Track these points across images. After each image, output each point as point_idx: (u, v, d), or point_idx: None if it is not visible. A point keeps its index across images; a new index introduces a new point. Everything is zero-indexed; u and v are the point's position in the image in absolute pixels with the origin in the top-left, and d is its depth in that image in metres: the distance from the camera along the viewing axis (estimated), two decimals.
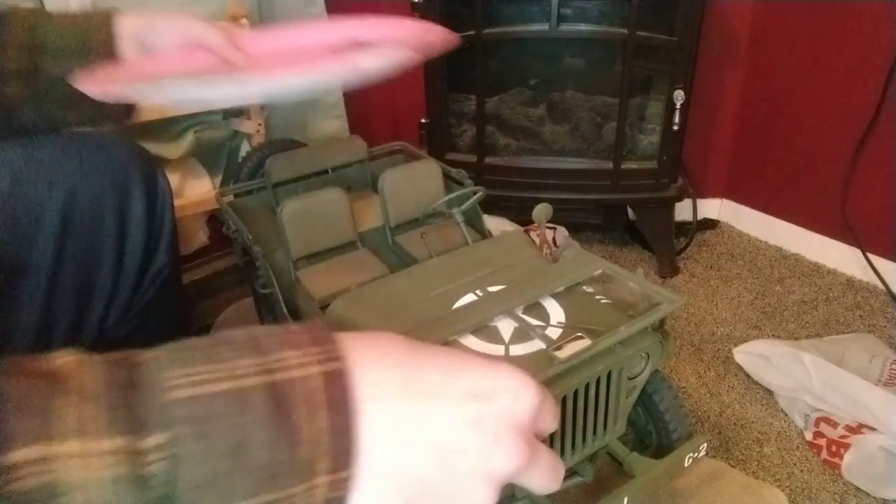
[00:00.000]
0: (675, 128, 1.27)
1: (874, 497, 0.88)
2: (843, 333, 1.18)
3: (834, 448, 0.92)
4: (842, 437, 0.91)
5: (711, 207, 1.60)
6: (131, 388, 0.25)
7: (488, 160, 1.39)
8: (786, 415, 1.02)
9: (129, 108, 0.63)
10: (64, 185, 0.61)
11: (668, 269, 1.39)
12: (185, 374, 0.25)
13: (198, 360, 0.26)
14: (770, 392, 1.05)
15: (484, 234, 0.86)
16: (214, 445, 0.25)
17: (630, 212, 1.49)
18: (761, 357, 1.06)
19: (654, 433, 0.74)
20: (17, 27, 0.57)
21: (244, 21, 1.15)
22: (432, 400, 0.28)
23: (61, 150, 0.62)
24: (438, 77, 1.34)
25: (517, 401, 0.30)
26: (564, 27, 1.23)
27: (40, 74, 0.58)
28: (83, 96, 0.54)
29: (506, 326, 0.62)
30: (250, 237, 0.78)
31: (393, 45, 0.51)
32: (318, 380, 0.27)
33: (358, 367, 0.28)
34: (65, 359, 0.26)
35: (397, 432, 0.28)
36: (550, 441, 0.59)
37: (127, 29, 0.59)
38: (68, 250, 0.62)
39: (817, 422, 0.95)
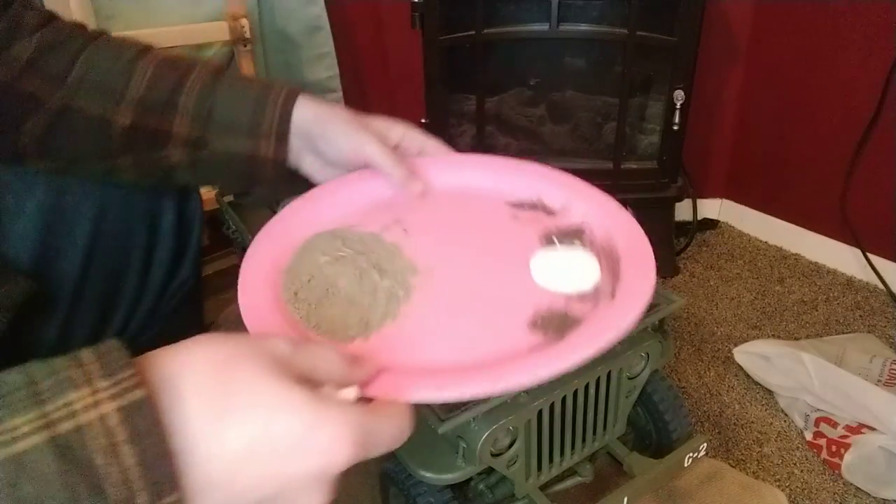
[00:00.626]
0: (675, 128, 1.27)
1: (874, 497, 0.88)
2: (843, 333, 1.18)
3: (834, 448, 0.92)
4: (842, 437, 0.91)
5: (711, 207, 1.60)
6: None
7: None
8: (786, 415, 1.02)
9: (286, 193, 0.61)
10: (97, 194, 0.60)
11: (668, 269, 1.39)
12: None
13: None
14: (770, 392, 1.05)
15: None
16: None
17: (630, 211, 1.48)
18: (761, 357, 1.06)
19: (654, 433, 0.74)
20: (193, 90, 0.55)
21: (244, 21, 1.15)
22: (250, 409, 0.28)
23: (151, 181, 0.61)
24: (438, 77, 1.34)
25: (325, 467, 0.29)
26: (564, 27, 1.23)
27: (205, 146, 0.56)
28: (241, 171, 0.57)
29: None
30: (250, 237, 0.78)
31: (585, 234, 0.53)
32: (113, 417, 0.25)
33: (161, 390, 0.27)
34: None
35: (220, 444, 0.27)
36: (550, 441, 0.59)
37: (302, 120, 0.57)
38: (96, 261, 0.60)
39: (817, 422, 0.95)
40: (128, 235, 0.63)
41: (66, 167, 0.56)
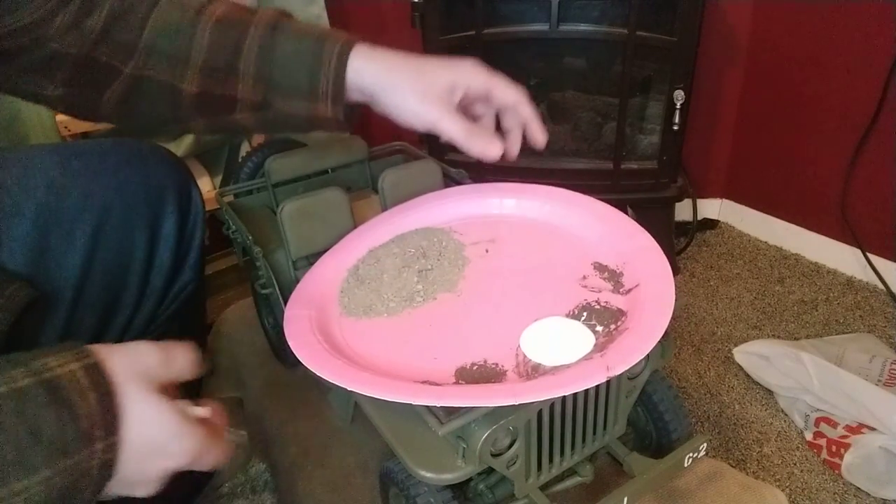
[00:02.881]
0: (675, 128, 1.27)
1: (874, 497, 0.88)
2: (843, 333, 1.18)
3: (834, 448, 0.92)
4: (842, 437, 0.91)
5: (711, 207, 1.60)
6: None
7: None
8: (786, 415, 1.02)
9: (352, 116, 0.60)
10: (98, 197, 0.59)
11: None
12: None
13: None
14: (770, 392, 1.05)
15: None
16: (13, 432, 0.32)
17: (630, 212, 1.49)
18: (761, 357, 1.06)
19: (654, 433, 0.74)
20: (252, 52, 0.55)
21: None
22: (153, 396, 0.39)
23: (98, 160, 0.60)
24: None
25: (170, 468, 0.40)
26: (564, 27, 1.23)
27: (269, 107, 0.56)
28: (304, 126, 0.58)
29: None
30: (250, 237, 0.78)
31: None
32: (79, 371, 0.35)
33: (107, 359, 0.37)
34: None
35: (140, 410, 0.37)
36: (550, 441, 0.59)
37: (360, 81, 0.56)
38: (96, 264, 0.60)
39: (817, 422, 0.95)
40: (129, 239, 0.62)
41: (145, 130, 0.59)
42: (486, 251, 0.65)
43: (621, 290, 0.56)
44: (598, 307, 0.55)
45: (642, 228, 0.61)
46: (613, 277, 0.58)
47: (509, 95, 0.62)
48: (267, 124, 0.58)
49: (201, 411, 0.44)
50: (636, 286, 0.55)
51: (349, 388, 0.48)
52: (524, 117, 0.64)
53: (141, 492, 0.40)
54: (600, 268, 0.60)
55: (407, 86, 0.57)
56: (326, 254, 0.70)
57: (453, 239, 0.68)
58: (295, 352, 0.55)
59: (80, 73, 0.53)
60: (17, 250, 0.55)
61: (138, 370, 0.39)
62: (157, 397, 0.39)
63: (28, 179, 0.56)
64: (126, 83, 0.54)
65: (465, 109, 0.62)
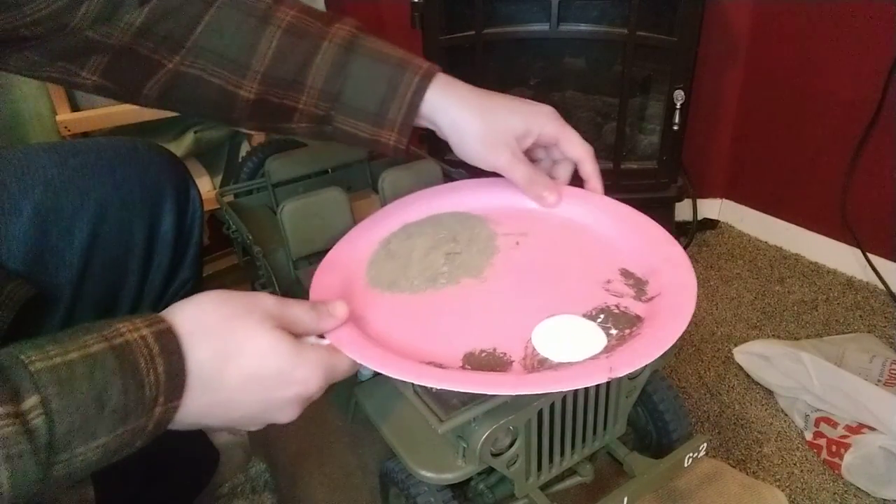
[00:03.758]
0: (675, 128, 1.27)
1: (874, 497, 0.88)
2: (843, 333, 1.18)
3: (834, 448, 0.92)
4: (842, 437, 0.91)
5: (711, 207, 1.60)
6: (3, 371, 0.32)
7: None
8: (786, 415, 1.02)
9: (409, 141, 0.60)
10: (96, 195, 0.59)
11: None
12: (39, 353, 0.33)
13: (45, 343, 0.34)
14: (770, 392, 1.05)
15: None
16: (79, 399, 0.33)
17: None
18: (761, 357, 1.06)
19: (654, 433, 0.74)
20: (323, 67, 0.55)
21: None
22: (237, 357, 0.40)
23: (95, 158, 0.60)
24: None
25: (300, 394, 0.43)
26: (564, 27, 1.23)
27: (331, 122, 0.57)
28: (361, 145, 0.59)
29: None
30: (250, 237, 0.78)
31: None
32: (150, 338, 0.36)
33: (178, 324, 0.38)
34: None
35: (212, 370, 0.39)
36: (550, 441, 0.59)
37: (430, 110, 0.57)
38: (95, 262, 0.60)
39: (817, 422, 0.95)
40: (127, 237, 0.62)
41: (189, 120, 0.59)
42: (517, 243, 0.65)
43: (643, 297, 0.56)
44: (616, 311, 0.55)
45: (677, 243, 0.61)
46: (638, 285, 0.58)
47: (577, 151, 0.63)
48: (321, 136, 0.59)
49: (322, 340, 0.47)
50: (658, 295, 0.55)
51: (357, 360, 0.49)
52: (587, 174, 0.65)
53: (282, 418, 0.43)
54: (626, 274, 0.60)
55: (474, 129, 0.58)
56: (361, 223, 0.71)
57: (487, 227, 0.68)
58: None
59: (120, 62, 0.53)
60: (16, 249, 0.55)
61: (234, 313, 0.40)
62: (269, 330, 0.41)
63: (26, 178, 0.56)
64: (169, 77, 0.54)
65: (527, 151, 0.63)
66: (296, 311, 0.45)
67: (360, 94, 0.55)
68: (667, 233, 0.63)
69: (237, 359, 0.39)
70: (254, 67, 0.54)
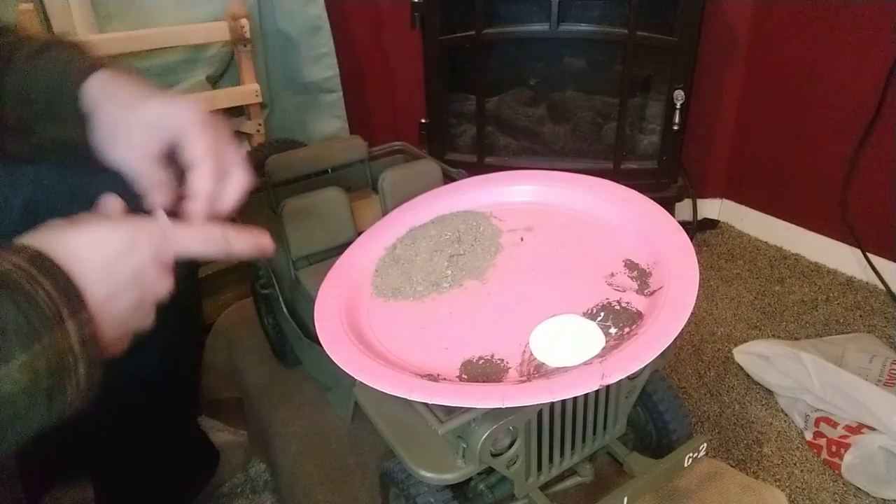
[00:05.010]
0: (675, 128, 1.27)
1: (874, 497, 0.88)
2: (843, 333, 1.18)
3: (834, 448, 0.92)
4: (842, 437, 0.91)
5: (711, 207, 1.60)
6: None
7: (488, 160, 1.39)
8: (786, 415, 1.02)
9: None
10: (86, 193, 0.57)
11: None
12: None
13: None
14: (770, 392, 1.05)
15: None
16: None
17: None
18: (761, 357, 1.06)
19: (654, 433, 0.74)
20: (13, 78, 0.53)
21: (244, 21, 1.15)
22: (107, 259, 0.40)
23: (87, 155, 0.58)
24: (438, 77, 1.34)
25: (146, 258, 0.43)
26: (564, 27, 1.23)
27: (34, 134, 0.53)
28: (75, 152, 0.53)
29: None
30: None
31: None
32: (24, 263, 0.36)
33: (52, 247, 0.38)
34: None
35: (99, 273, 0.39)
36: (550, 441, 0.59)
37: (92, 100, 0.51)
38: None
39: (817, 422, 0.95)
40: None
41: None
42: (521, 239, 0.65)
43: (646, 291, 0.56)
44: (617, 308, 0.55)
45: (680, 227, 0.61)
46: (641, 277, 0.58)
47: (195, 151, 0.50)
48: (42, 150, 0.55)
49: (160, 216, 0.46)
50: (660, 288, 0.55)
51: (353, 376, 0.49)
52: (193, 186, 0.51)
53: (145, 322, 0.44)
54: (631, 265, 0.59)
55: (107, 122, 0.51)
56: (368, 231, 0.71)
57: (491, 224, 0.68)
58: (318, 334, 0.56)
59: None
60: (4, 245, 0.55)
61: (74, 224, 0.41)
62: (97, 223, 0.41)
63: (16, 174, 0.56)
64: None
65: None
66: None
67: (40, 95, 0.52)
68: (670, 217, 0.63)
69: (86, 262, 0.40)
70: None
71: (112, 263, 0.41)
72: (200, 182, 0.50)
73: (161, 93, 0.52)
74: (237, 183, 0.51)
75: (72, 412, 0.38)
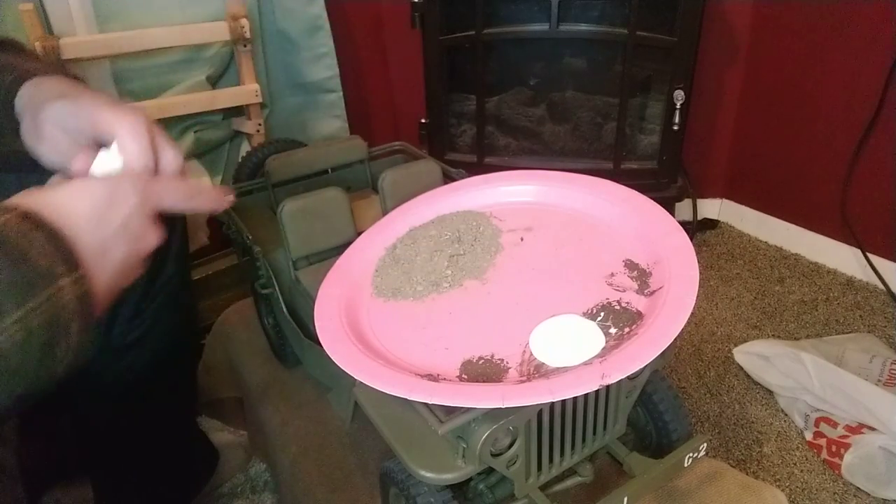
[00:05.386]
0: (675, 128, 1.27)
1: (874, 497, 0.88)
2: (843, 333, 1.18)
3: (834, 448, 0.92)
4: (842, 437, 0.91)
5: (711, 207, 1.60)
6: None
7: (488, 160, 1.39)
8: (786, 415, 1.02)
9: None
10: None
11: None
12: None
13: None
14: (770, 392, 1.05)
15: None
16: None
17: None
18: (761, 357, 1.06)
19: (654, 433, 0.74)
20: None
21: (244, 21, 1.15)
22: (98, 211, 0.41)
23: None
24: (438, 77, 1.35)
25: (133, 209, 0.43)
26: (564, 27, 1.23)
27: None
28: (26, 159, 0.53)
29: None
30: (250, 237, 0.78)
31: None
32: (14, 220, 0.36)
33: (40, 205, 0.38)
34: None
35: (90, 225, 0.40)
36: (550, 441, 0.59)
37: (19, 108, 0.52)
38: None
39: (817, 422, 0.95)
40: None
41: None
42: (521, 239, 0.65)
43: (646, 291, 0.56)
44: (617, 308, 0.55)
45: (680, 227, 0.61)
46: (641, 277, 0.58)
47: (108, 124, 0.49)
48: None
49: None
50: (660, 288, 0.55)
51: (355, 377, 0.49)
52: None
53: (134, 275, 0.44)
54: (631, 265, 0.59)
55: (28, 118, 0.52)
56: (368, 231, 0.71)
57: (492, 224, 0.68)
58: (318, 335, 0.56)
59: None
60: None
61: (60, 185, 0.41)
62: (80, 180, 0.42)
63: (2, 181, 0.56)
64: None
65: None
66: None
67: None
68: (670, 217, 0.63)
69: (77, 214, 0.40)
70: None
71: (100, 215, 0.41)
72: (130, 146, 0.48)
73: (85, 94, 0.51)
74: (171, 155, 0.50)
75: (64, 371, 0.38)
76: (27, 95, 0.53)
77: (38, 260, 0.36)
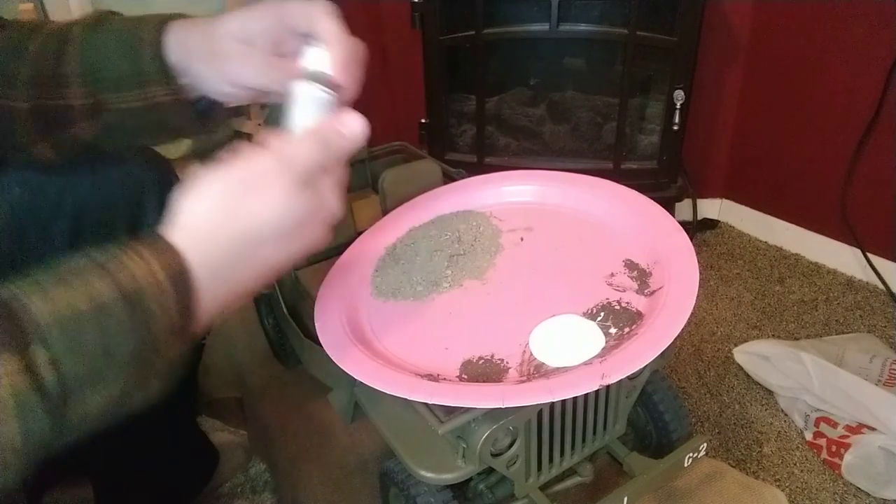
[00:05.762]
0: (675, 128, 1.27)
1: (874, 497, 0.88)
2: (843, 333, 1.18)
3: (834, 448, 0.92)
4: (842, 437, 0.91)
5: (711, 207, 1.60)
6: (11, 320, 0.31)
7: (488, 160, 1.39)
8: (786, 415, 1.02)
9: (210, 124, 0.55)
10: (75, 194, 0.58)
11: None
12: (43, 298, 0.32)
13: (50, 284, 0.33)
14: (770, 392, 1.05)
15: None
16: (87, 351, 0.33)
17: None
18: (761, 357, 1.06)
19: (654, 433, 0.74)
20: (74, 54, 0.50)
21: None
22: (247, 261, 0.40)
23: (74, 157, 0.58)
24: (438, 77, 1.34)
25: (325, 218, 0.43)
26: (564, 27, 1.23)
27: (105, 107, 0.51)
28: (160, 125, 0.52)
29: None
30: None
31: None
32: (165, 282, 0.35)
33: (192, 254, 0.37)
34: None
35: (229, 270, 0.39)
36: (550, 441, 0.59)
37: (171, 56, 0.49)
38: None
39: (817, 422, 0.95)
40: (109, 237, 0.61)
41: None
42: (521, 239, 0.65)
43: (646, 291, 0.56)
44: (617, 308, 0.55)
45: (680, 227, 0.61)
46: (641, 277, 0.58)
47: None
48: (113, 130, 0.52)
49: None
50: (660, 288, 0.55)
51: (355, 377, 0.49)
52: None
53: (315, 243, 0.43)
54: (631, 265, 0.59)
55: (204, 56, 0.49)
56: (368, 231, 0.71)
57: (491, 224, 0.68)
58: (318, 335, 0.57)
59: None
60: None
61: (239, 203, 0.39)
62: (279, 195, 0.40)
63: (3, 177, 0.55)
64: None
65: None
66: (302, 156, 0.42)
67: (113, 62, 0.50)
68: (670, 217, 0.63)
69: (257, 246, 0.39)
70: (21, 76, 0.50)
71: (274, 244, 0.40)
72: (336, 49, 0.47)
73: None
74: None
75: (156, 394, 0.38)
76: (180, 34, 0.49)
77: (162, 334, 0.35)
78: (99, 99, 0.51)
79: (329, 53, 0.46)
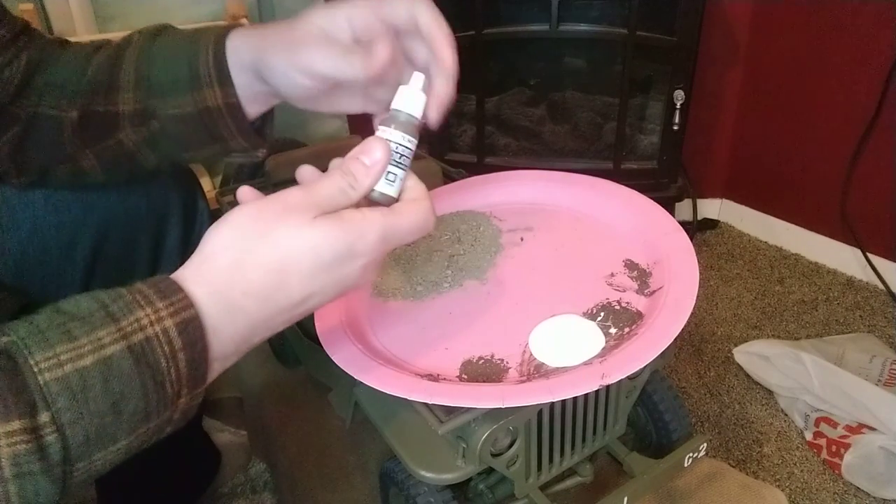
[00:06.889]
0: (675, 128, 1.27)
1: (874, 497, 0.88)
2: (843, 333, 1.18)
3: (834, 448, 0.92)
4: (842, 437, 0.91)
5: (711, 207, 1.60)
6: (12, 376, 0.30)
7: (488, 160, 1.39)
8: (786, 415, 1.02)
9: (258, 140, 0.54)
10: (99, 211, 0.58)
11: None
12: (47, 355, 0.31)
13: (56, 339, 0.31)
14: (770, 392, 1.05)
15: None
16: (93, 409, 0.31)
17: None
18: (761, 357, 1.06)
19: (654, 433, 0.74)
20: (131, 61, 0.50)
21: (244, 21, 1.15)
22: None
23: (112, 167, 0.57)
24: None
25: (367, 264, 0.40)
26: (564, 27, 1.23)
27: (153, 115, 0.50)
28: (199, 132, 0.51)
29: None
30: None
31: None
32: (173, 330, 0.33)
33: (204, 307, 0.35)
34: None
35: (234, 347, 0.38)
36: (550, 441, 0.59)
37: (239, 55, 0.48)
38: (97, 279, 0.58)
39: (817, 422, 0.95)
40: (131, 253, 0.61)
41: (38, 179, 0.53)
42: (521, 239, 0.65)
43: (646, 291, 0.56)
44: (617, 308, 0.55)
45: (680, 227, 0.61)
46: (641, 277, 0.58)
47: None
48: (157, 139, 0.52)
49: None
50: (660, 288, 0.55)
51: (354, 377, 0.49)
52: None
53: (357, 286, 0.41)
54: (631, 265, 0.60)
55: (283, 46, 0.47)
56: None
57: (492, 224, 0.68)
58: (318, 335, 0.57)
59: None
60: (12, 263, 0.54)
61: (259, 244, 0.38)
62: (307, 231, 0.38)
63: (28, 192, 0.55)
64: (21, 125, 0.51)
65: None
66: (325, 192, 0.41)
67: (168, 67, 0.49)
68: (670, 217, 0.63)
69: (287, 285, 0.38)
70: (82, 88, 0.50)
71: (313, 281, 0.38)
72: (443, 51, 0.46)
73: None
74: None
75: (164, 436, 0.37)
76: (245, 38, 0.48)
77: (170, 387, 0.34)
78: (147, 105, 0.50)
79: (425, 96, 0.44)
